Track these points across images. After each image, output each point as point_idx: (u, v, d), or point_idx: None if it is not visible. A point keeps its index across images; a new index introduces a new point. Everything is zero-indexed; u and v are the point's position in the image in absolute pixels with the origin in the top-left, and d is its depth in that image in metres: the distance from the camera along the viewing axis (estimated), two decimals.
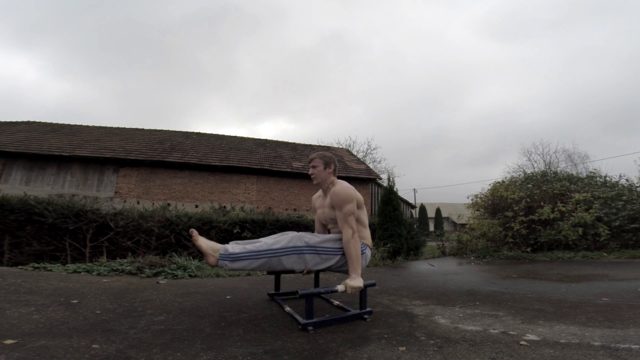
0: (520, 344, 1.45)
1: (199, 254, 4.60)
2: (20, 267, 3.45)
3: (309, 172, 2.14)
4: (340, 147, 22.80)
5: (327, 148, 16.57)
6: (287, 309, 2.03)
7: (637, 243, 5.67)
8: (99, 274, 3.25)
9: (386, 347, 1.43)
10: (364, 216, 2.10)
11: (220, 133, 15.37)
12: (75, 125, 13.56)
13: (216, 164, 11.08)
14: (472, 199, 7.80)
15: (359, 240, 2.01)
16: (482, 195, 7.62)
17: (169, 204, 7.76)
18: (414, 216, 23.34)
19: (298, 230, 2.47)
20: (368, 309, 1.92)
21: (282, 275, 2.88)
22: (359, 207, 2.04)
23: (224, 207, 6.51)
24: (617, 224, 5.84)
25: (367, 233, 2.12)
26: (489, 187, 7.65)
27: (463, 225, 8.91)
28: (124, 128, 13.96)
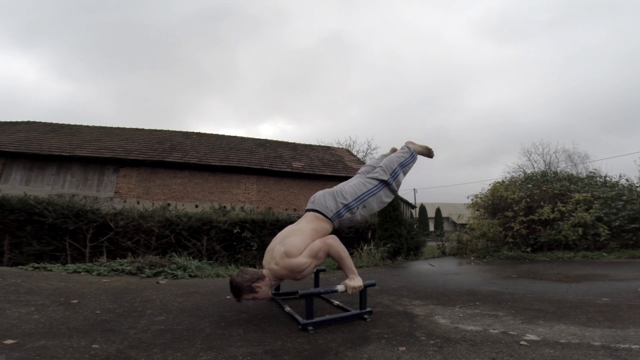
0: (520, 344, 1.45)
1: (199, 254, 4.60)
2: (20, 267, 3.46)
3: (255, 302, 1.93)
4: (340, 147, 22.80)
5: (327, 148, 16.56)
6: (287, 309, 2.03)
7: (637, 243, 5.66)
8: (99, 274, 3.25)
9: (386, 347, 1.43)
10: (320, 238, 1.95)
11: (220, 133, 15.38)
12: (75, 125, 13.56)
13: (216, 164, 11.08)
14: (472, 199, 7.79)
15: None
16: (482, 195, 7.61)
17: (169, 204, 7.76)
18: (414, 216, 23.34)
19: None
20: (368, 309, 1.92)
21: None
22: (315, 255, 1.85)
23: (224, 207, 6.51)
24: (617, 224, 5.84)
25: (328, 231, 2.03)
26: (489, 187, 7.64)
27: (463, 225, 8.90)
28: (124, 128, 13.96)
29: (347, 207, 2.04)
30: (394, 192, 2.23)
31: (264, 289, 1.83)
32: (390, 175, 2.17)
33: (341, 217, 2.04)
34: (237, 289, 1.79)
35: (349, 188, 2.12)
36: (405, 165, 2.23)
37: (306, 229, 1.96)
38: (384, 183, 2.16)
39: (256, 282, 1.80)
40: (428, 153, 2.47)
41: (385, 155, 2.54)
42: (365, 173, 2.32)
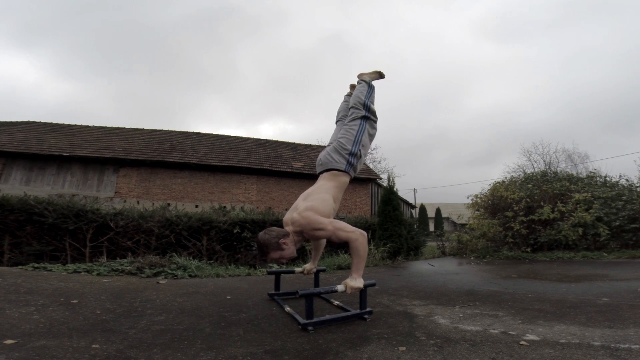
0: (520, 344, 1.45)
1: (199, 254, 4.60)
2: (20, 267, 3.46)
3: (282, 262, 2.05)
4: None
5: None
6: (287, 309, 2.03)
7: (637, 243, 5.66)
8: (99, 274, 3.25)
9: (386, 347, 1.43)
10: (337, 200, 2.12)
11: (220, 133, 15.37)
12: (75, 125, 13.56)
13: (216, 164, 11.08)
14: (472, 199, 7.79)
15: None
16: (482, 195, 7.61)
17: (169, 204, 7.76)
18: (414, 216, 23.32)
19: None
20: (368, 309, 1.92)
21: (282, 275, 2.88)
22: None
23: (224, 207, 6.51)
24: (617, 224, 5.83)
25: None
26: (489, 187, 7.64)
27: (463, 225, 8.90)
28: (124, 128, 13.95)
29: (352, 154, 2.16)
30: (375, 121, 2.36)
31: (290, 246, 1.90)
32: (364, 109, 2.29)
33: (353, 165, 2.17)
34: (265, 247, 1.85)
35: (343, 138, 2.21)
36: (369, 96, 2.36)
37: (328, 186, 2.10)
38: (364, 118, 2.27)
39: (283, 238, 1.87)
40: (380, 76, 2.57)
41: (349, 95, 2.68)
42: (344, 119, 2.44)
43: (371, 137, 2.33)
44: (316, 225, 1.85)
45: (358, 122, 2.25)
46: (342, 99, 2.76)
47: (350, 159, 2.16)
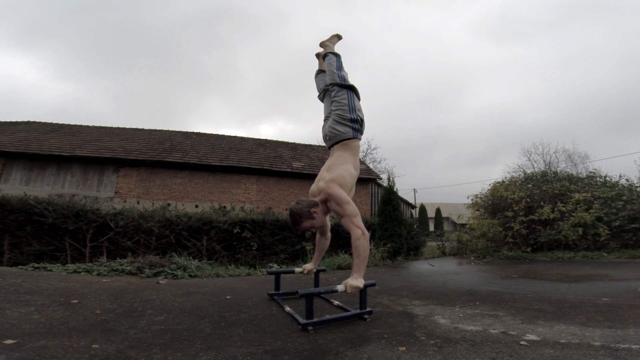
0: (520, 344, 1.45)
1: (199, 254, 4.60)
2: (20, 267, 3.46)
3: (313, 231, 2.13)
4: None
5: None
6: (287, 309, 2.03)
7: (637, 243, 5.66)
8: (99, 274, 3.25)
9: (386, 347, 1.43)
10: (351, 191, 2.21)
11: (220, 133, 15.36)
12: (75, 125, 13.55)
13: (216, 164, 11.08)
14: (472, 199, 7.79)
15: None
16: (482, 195, 7.61)
17: (169, 204, 7.76)
18: (414, 216, 23.31)
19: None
20: (368, 309, 1.92)
21: (282, 275, 2.88)
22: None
23: (224, 207, 6.51)
24: (617, 224, 5.84)
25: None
26: (489, 187, 7.65)
27: (463, 225, 8.90)
28: (124, 128, 13.95)
29: (353, 120, 2.28)
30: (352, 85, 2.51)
31: (320, 215, 2.01)
32: (341, 79, 2.44)
33: (358, 129, 2.30)
34: (298, 216, 1.95)
35: (338, 110, 2.32)
36: (339, 67, 2.52)
37: (345, 156, 2.22)
38: (344, 87, 2.40)
39: (313, 207, 1.98)
40: (339, 39, 2.74)
41: (320, 70, 2.80)
42: (329, 96, 2.53)
43: (359, 98, 2.46)
44: (336, 198, 1.95)
45: (344, 91, 2.37)
46: None
47: (354, 126, 2.27)
